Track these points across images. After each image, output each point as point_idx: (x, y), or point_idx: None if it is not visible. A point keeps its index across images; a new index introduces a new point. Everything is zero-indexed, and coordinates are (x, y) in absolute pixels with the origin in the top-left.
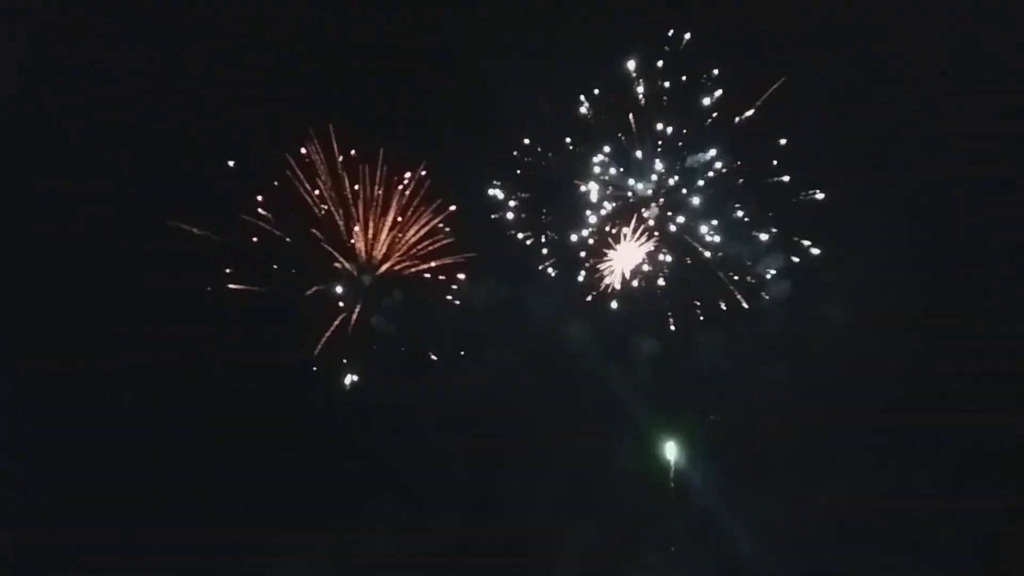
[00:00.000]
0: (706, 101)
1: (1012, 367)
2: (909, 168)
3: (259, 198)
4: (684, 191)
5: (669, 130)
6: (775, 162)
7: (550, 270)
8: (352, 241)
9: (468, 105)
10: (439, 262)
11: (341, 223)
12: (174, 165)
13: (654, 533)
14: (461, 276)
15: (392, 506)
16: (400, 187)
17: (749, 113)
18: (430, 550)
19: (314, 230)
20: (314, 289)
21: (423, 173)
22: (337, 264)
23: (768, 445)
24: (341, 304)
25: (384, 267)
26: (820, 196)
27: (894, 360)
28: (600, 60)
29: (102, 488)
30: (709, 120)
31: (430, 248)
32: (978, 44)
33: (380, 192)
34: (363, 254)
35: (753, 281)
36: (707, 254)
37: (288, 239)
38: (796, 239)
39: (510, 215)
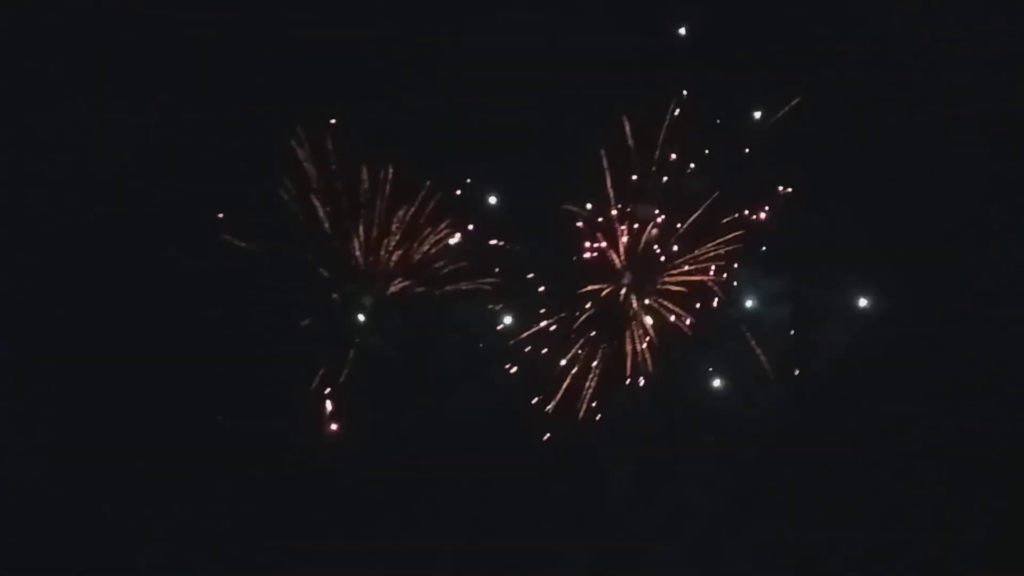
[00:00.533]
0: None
1: (1011, 388)
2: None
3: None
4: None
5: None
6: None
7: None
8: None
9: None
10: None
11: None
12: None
13: (653, 556)
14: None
15: (390, 530)
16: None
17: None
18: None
19: (310, 255)
20: (307, 321)
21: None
22: (335, 295)
23: (765, 466)
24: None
25: (392, 287)
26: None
27: (894, 379)
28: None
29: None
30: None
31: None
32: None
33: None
34: (363, 271)
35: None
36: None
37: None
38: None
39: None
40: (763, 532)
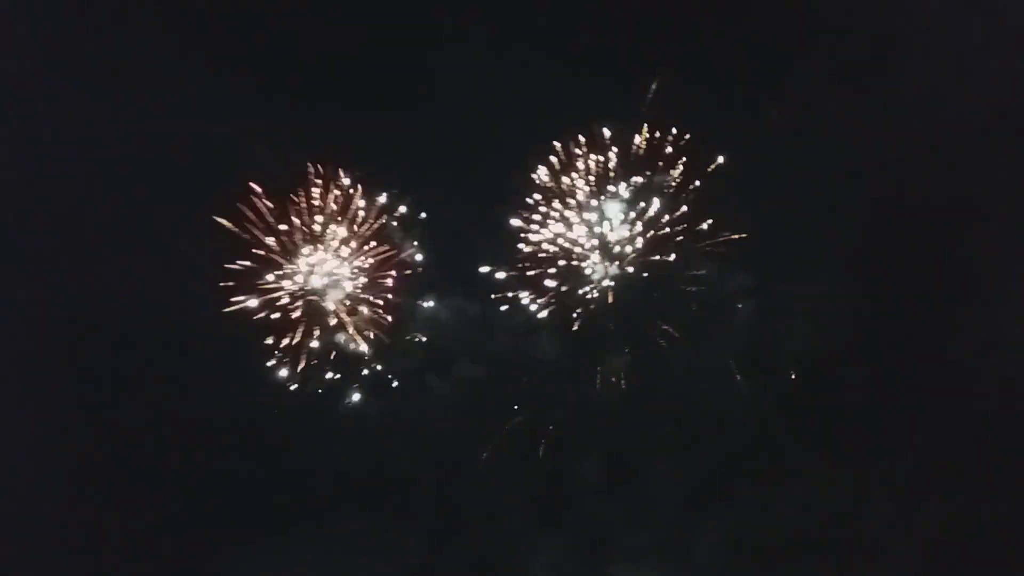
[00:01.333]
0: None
1: (966, 377)
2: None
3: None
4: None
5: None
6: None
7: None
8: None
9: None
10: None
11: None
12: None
13: (620, 546)
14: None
15: (358, 524)
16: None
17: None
18: (397, 569)
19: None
20: (263, 314)
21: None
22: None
23: (730, 455)
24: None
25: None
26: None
27: (854, 372)
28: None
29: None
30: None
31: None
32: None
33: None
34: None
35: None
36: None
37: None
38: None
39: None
40: (728, 523)
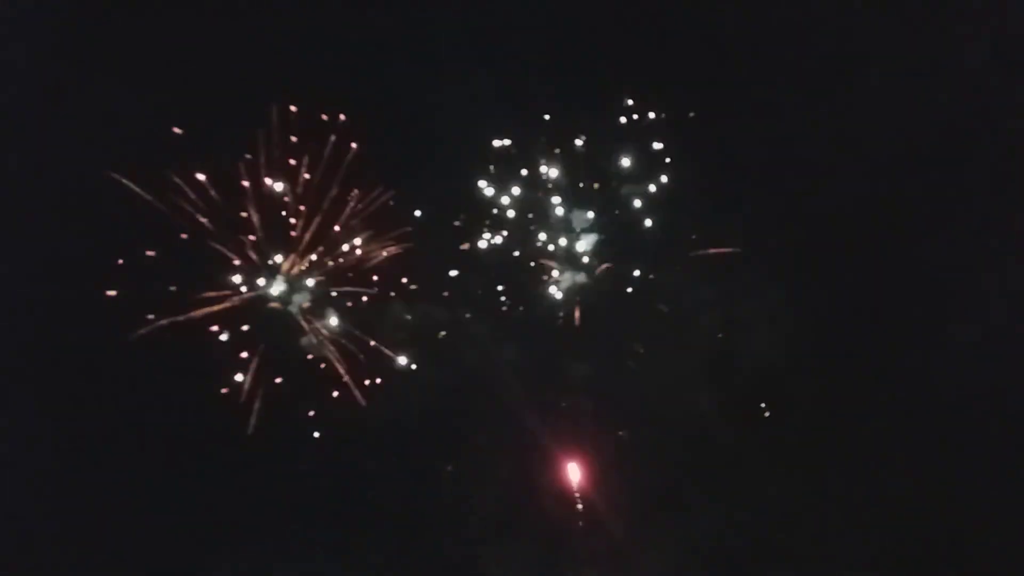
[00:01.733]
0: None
1: (923, 384)
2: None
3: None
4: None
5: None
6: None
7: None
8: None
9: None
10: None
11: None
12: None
13: (576, 553)
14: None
15: (319, 528)
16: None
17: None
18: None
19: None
20: (230, 302)
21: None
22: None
23: (684, 463)
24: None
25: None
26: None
27: (811, 381)
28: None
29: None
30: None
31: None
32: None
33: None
34: (291, 266)
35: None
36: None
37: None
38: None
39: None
40: (682, 529)
